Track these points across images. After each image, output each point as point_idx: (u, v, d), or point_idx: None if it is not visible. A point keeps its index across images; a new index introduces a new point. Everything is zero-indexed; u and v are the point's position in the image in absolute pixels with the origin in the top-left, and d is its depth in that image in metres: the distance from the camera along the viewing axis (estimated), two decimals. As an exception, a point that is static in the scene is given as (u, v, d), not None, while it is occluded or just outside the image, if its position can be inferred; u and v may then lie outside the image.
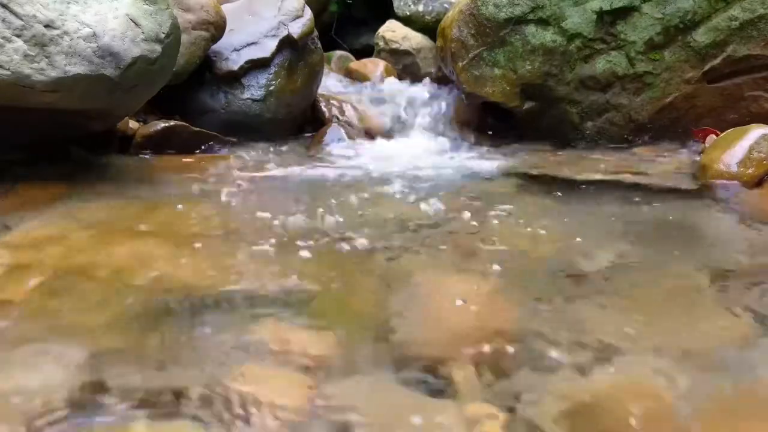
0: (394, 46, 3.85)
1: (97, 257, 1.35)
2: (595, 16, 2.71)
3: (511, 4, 2.77)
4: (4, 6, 1.65)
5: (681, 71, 2.69)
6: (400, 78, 3.67)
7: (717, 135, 2.46)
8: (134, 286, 1.22)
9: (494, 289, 1.28)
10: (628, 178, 2.26)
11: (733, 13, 2.59)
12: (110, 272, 1.27)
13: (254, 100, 2.74)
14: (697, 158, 2.38)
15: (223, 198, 1.87)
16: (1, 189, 1.76)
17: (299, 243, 1.49)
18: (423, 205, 1.86)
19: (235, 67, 2.75)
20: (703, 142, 2.55)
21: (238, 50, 2.80)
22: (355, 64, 3.80)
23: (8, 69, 1.65)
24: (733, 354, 1.04)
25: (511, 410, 0.88)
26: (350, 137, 2.85)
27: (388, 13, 4.12)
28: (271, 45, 2.81)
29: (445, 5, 3.87)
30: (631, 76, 2.73)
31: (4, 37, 1.65)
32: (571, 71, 2.78)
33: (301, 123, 2.98)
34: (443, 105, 3.14)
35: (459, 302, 1.20)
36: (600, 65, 2.75)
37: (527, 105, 2.88)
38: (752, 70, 2.65)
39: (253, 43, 2.82)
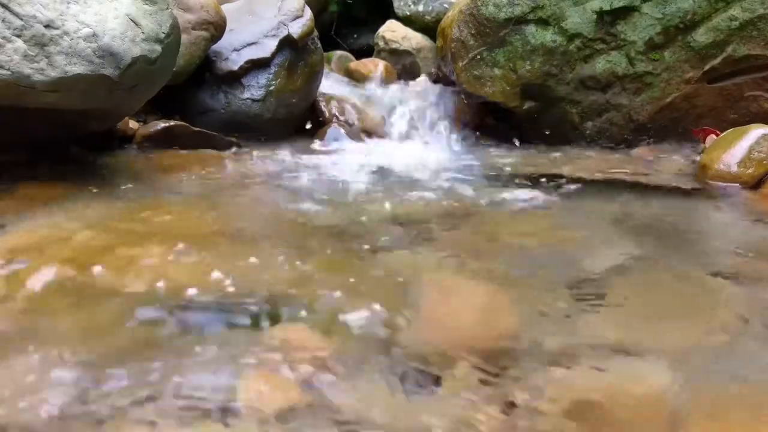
0: (394, 46, 3.85)
1: (97, 258, 1.35)
2: (595, 16, 2.71)
3: (511, 4, 2.78)
4: (4, 6, 1.65)
5: (681, 71, 2.69)
6: (399, 77, 3.67)
7: (717, 135, 2.46)
8: (135, 286, 1.22)
9: (495, 288, 1.28)
10: (628, 178, 2.26)
11: (733, 13, 2.59)
12: (110, 273, 1.27)
13: (254, 100, 2.74)
14: (697, 158, 2.38)
15: (224, 198, 1.87)
16: (0, 189, 1.76)
17: (300, 242, 1.49)
18: (422, 205, 1.86)
19: (235, 67, 2.75)
20: (703, 142, 2.55)
21: (238, 50, 2.80)
22: (354, 64, 3.80)
23: (8, 69, 1.65)
24: (732, 355, 1.04)
25: (511, 409, 0.88)
26: (350, 137, 2.85)
27: (388, 13, 4.12)
28: (271, 45, 2.81)
29: (445, 5, 3.87)
30: (631, 76, 2.73)
31: (4, 37, 1.65)
32: (571, 71, 2.78)
33: (301, 123, 2.98)
34: (442, 105, 3.14)
35: (460, 302, 1.20)
36: (600, 65, 2.75)
37: (527, 105, 2.88)
38: (752, 70, 2.65)
39: (253, 43, 2.82)
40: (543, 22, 2.77)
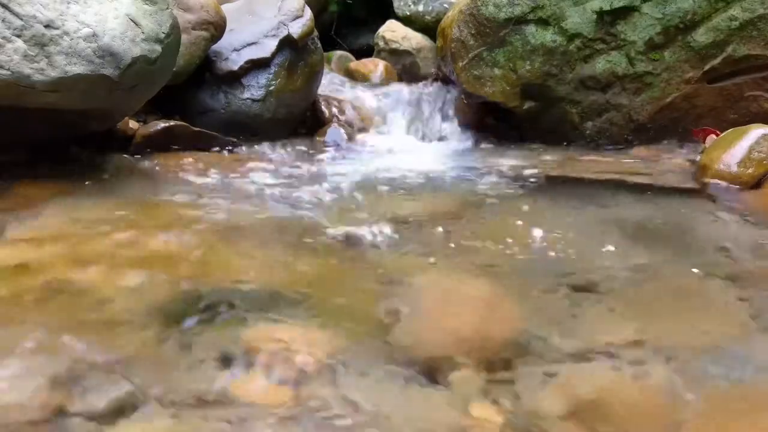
0: (394, 46, 3.85)
1: (97, 257, 1.35)
2: (595, 16, 2.71)
3: (511, 4, 2.77)
4: (4, 6, 1.65)
5: (681, 71, 2.69)
6: (400, 78, 3.67)
7: (717, 135, 2.46)
8: (135, 286, 1.22)
9: (494, 289, 1.28)
10: (628, 178, 2.26)
11: (733, 13, 2.59)
12: (110, 273, 1.27)
13: (254, 100, 2.74)
14: (697, 158, 2.38)
15: (223, 198, 1.87)
16: (1, 189, 1.76)
17: (299, 241, 1.49)
18: (422, 205, 1.86)
19: (235, 67, 2.75)
20: (703, 142, 2.55)
21: (238, 50, 2.80)
22: (354, 64, 3.80)
23: (8, 69, 1.65)
24: (731, 355, 1.04)
25: (510, 410, 0.88)
26: (350, 137, 2.85)
27: (388, 13, 4.12)
28: (271, 45, 2.81)
29: (445, 5, 3.87)
30: (631, 76, 2.73)
31: (4, 37, 1.65)
32: (571, 71, 2.78)
33: (301, 123, 2.98)
34: (442, 105, 3.14)
35: (459, 302, 1.20)
36: (600, 65, 2.75)
37: (527, 105, 2.88)
38: (752, 70, 2.65)
39: (253, 43, 2.82)
40: (543, 22, 2.76)
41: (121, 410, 0.84)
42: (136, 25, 1.87)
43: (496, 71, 2.85)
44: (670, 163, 2.49)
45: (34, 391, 0.87)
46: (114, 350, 0.99)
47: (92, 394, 0.87)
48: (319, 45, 3.09)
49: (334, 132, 2.86)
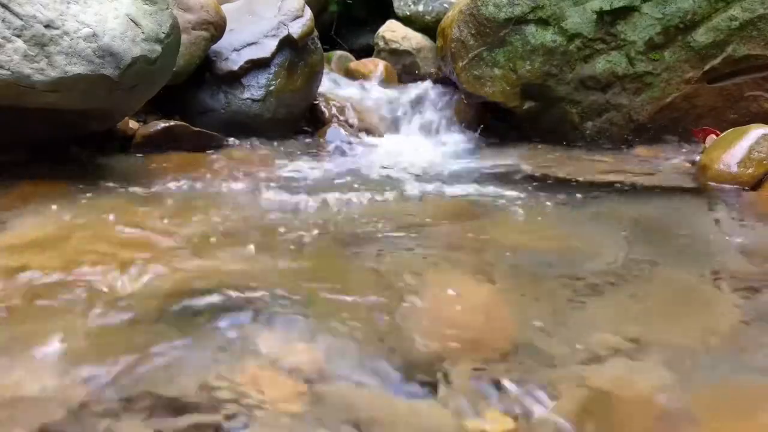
0: (394, 46, 3.85)
1: (97, 257, 1.35)
2: (595, 16, 2.71)
3: (511, 4, 2.78)
4: (4, 6, 1.65)
5: (681, 71, 2.69)
6: (400, 78, 3.67)
7: (717, 135, 2.46)
8: (134, 286, 1.22)
9: (495, 289, 1.28)
10: (627, 178, 2.26)
11: (733, 13, 2.59)
12: (110, 273, 1.27)
13: (254, 100, 2.74)
14: (697, 158, 2.38)
15: (223, 198, 1.87)
16: (1, 188, 1.76)
17: (298, 242, 1.49)
18: (420, 206, 1.86)
19: (235, 67, 2.75)
20: (703, 142, 2.55)
21: (238, 50, 2.80)
22: (354, 64, 3.80)
23: (8, 69, 1.65)
24: (730, 355, 1.04)
25: (511, 412, 0.88)
26: (350, 137, 2.86)
27: (388, 13, 4.13)
28: (271, 45, 2.81)
29: (445, 5, 3.87)
30: (631, 76, 2.74)
31: (4, 37, 1.65)
32: (571, 71, 2.78)
33: (301, 123, 2.98)
34: (442, 105, 3.14)
35: (459, 302, 1.20)
36: (600, 65, 2.75)
37: (527, 105, 2.88)
38: (752, 70, 2.65)
39: (253, 43, 2.82)
40: (543, 22, 2.77)
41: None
42: (136, 25, 1.87)
43: (496, 71, 2.85)
44: (670, 163, 2.49)
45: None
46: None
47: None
48: (319, 45, 3.09)
49: (334, 132, 2.86)
